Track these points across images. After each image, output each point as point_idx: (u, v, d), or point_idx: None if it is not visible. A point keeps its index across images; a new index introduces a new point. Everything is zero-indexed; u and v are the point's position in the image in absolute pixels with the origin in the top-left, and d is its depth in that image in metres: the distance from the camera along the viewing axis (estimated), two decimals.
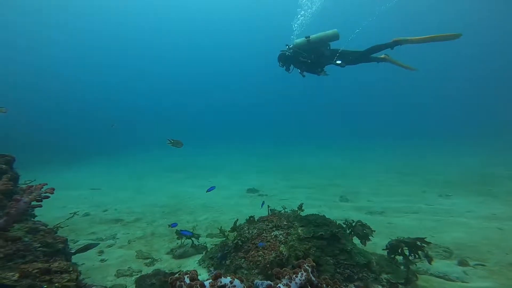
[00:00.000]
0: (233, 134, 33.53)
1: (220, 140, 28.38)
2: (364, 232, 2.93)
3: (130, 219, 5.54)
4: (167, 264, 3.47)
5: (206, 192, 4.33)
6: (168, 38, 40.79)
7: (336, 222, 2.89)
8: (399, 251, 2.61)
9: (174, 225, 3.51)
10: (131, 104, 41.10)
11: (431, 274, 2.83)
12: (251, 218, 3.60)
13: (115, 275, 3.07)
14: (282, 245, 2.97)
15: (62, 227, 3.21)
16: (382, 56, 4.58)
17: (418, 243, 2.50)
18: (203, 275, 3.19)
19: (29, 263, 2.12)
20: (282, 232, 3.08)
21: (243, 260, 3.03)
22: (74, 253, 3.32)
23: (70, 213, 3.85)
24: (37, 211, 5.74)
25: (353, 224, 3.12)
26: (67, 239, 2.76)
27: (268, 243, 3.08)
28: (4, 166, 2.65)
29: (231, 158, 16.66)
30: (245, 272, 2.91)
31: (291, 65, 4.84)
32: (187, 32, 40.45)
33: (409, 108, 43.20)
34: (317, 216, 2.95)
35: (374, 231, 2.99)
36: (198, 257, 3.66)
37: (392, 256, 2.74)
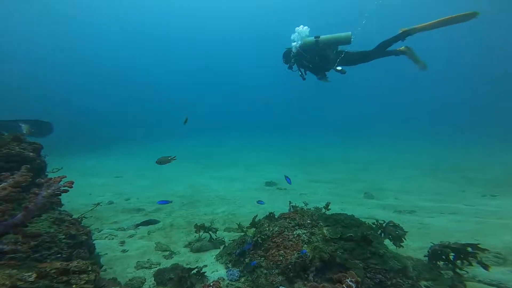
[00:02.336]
0: (252, 126, 33.35)
1: (239, 131, 28.36)
2: (396, 234, 2.64)
3: (150, 209, 5.64)
4: (185, 257, 3.43)
5: (285, 177, 4.12)
6: (185, 34, 41.15)
7: (366, 223, 2.62)
8: (444, 257, 2.29)
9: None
10: (152, 95, 42.21)
11: (480, 281, 2.46)
12: (271, 215, 3.43)
13: (135, 267, 3.08)
14: (305, 245, 2.78)
15: (86, 217, 3.26)
16: (402, 48, 4.11)
17: (470, 249, 2.16)
18: (221, 271, 3.10)
19: (54, 255, 2.14)
20: (305, 231, 2.87)
21: (262, 259, 2.89)
22: (138, 226, 3.73)
23: (94, 204, 3.93)
24: (65, 197, 6.03)
25: (384, 224, 2.83)
26: (90, 231, 2.77)
27: (290, 242, 2.90)
28: (32, 153, 2.69)
29: (248, 150, 16.58)
30: (265, 271, 2.76)
31: (295, 65, 4.56)
32: (203, 27, 40.41)
33: (441, 103, 40.10)
34: (345, 216, 2.69)
35: (407, 232, 2.67)
36: (216, 251, 3.59)
37: (434, 262, 2.42)
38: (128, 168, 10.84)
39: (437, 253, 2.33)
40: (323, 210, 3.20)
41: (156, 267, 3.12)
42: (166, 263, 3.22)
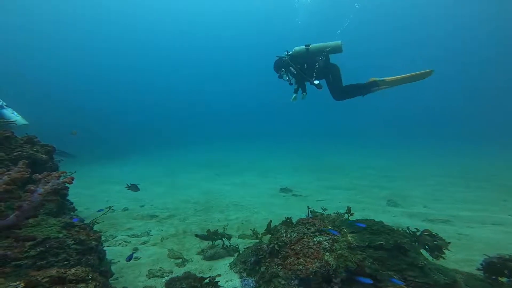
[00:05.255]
0: (266, 132, 33.18)
1: (253, 138, 28.26)
2: (435, 244, 2.30)
3: (164, 215, 5.58)
4: (197, 265, 3.26)
5: None
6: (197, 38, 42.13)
7: (400, 229, 2.31)
8: (507, 272, 1.92)
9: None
10: (166, 102, 43.14)
11: None
12: (288, 220, 3.19)
13: (146, 275, 2.95)
14: (328, 253, 2.51)
15: (98, 222, 3.20)
16: (374, 85, 4.20)
17: None
18: (235, 280, 2.89)
19: (61, 262, 2.03)
20: (327, 238, 2.61)
21: (280, 267, 2.65)
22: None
23: (105, 208, 3.90)
24: (84, 204, 6.22)
25: (418, 233, 2.50)
26: (100, 236, 2.68)
27: (311, 249, 2.65)
28: (44, 156, 2.67)
29: (263, 156, 16.34)
30: (283, 282, 2.51)
31: (284, 73, 4.60)
32: (216, 31, 41.19)
33: (463, 107, 37.81)
34: (372, 222, 2.41)
35: (450, 243, 2.32)
36: (230, 259, 3.39)
37: (493, 277, 2.04)
38: (144, 175, 10.99)
39: (496, 267, 1.96)
40: (346, 216, 2.92)
41: (168, 276, 2.97)
42: (179, 271, 3.06)
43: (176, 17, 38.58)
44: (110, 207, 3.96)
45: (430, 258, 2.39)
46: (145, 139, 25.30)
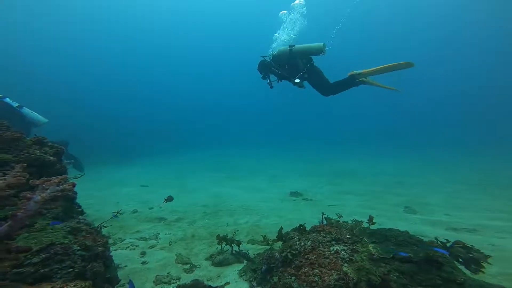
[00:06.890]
0: (273, 136, 32.90)
1: (261, 141, 28.05)
2: (470, 256, 2.06)
3: (172, 218, 5.50)
4: (205, 272, 3.12)
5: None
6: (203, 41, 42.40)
7: (435, 241, 2.09)
8: None
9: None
10: (175, 106, 43.34)
11: None
12: (302, 227, 3.01)
13: (153, 281, 2.84)
14: (346, 264, 2.32)
15: (106, 227, 3.12)
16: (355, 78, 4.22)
17: None
18: None
19: (65, 269, 1.91)
20: (345, 248, 2.41)
21: (293, 278, 2.47)
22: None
23: (113, 212, 3.84)
24: (95, 206, 6.22)
25: (448, 244, 2.26)
26: (107, 241, 2.58)
27: (327, 259, 2.46)
28: (52, 158, 2.60)
29: (272, 160, 16.15)
30: None
31: (267, 75, 4.60)
32: (224, 31, 41.32)
33: (478, 107, 36.28)
34: (397, 232, 2.20)
35: (490, 256, 2.07)
36: (239, 266, 3.24)
37: None
38: (153, 178, 11.03)
39: None
40: (366, 224, 2.71)
41: (176, 282, 2.85)
42: (187, 278, 2.93)
43: (187, 18, 38.99)
44: (118, 212, 3.88)
45: (467, 272, 2.15)
46: (154, 142, 25.51)
